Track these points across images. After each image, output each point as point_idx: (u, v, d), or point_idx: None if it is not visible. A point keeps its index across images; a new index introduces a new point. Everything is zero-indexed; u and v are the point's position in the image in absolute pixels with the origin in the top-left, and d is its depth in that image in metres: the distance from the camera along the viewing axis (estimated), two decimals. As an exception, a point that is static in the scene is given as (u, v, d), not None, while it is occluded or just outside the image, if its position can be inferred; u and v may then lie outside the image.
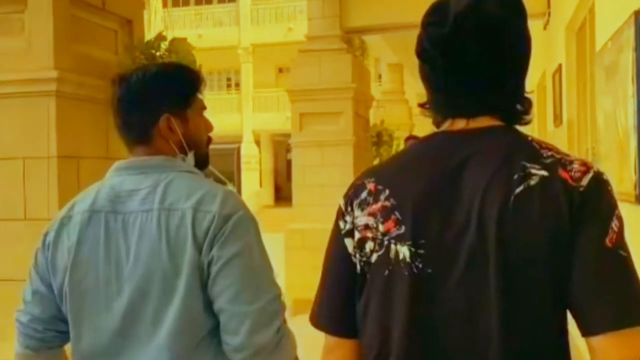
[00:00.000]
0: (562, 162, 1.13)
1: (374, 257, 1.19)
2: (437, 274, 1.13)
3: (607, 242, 1.08)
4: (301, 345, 1.63)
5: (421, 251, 1.14)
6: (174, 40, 2.48)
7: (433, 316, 1.14)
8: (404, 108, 13.85)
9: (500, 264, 1.09)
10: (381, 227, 1.18)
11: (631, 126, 3.04)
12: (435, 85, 1.23)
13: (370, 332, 1.22)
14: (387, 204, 1.19)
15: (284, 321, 1.52)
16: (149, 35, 2.92)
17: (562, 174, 1.11)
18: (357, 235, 1.22)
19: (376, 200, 1.20)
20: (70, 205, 1.60)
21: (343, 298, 1.26)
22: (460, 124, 1.21)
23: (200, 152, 1.67)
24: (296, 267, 7.66)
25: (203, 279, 1.46)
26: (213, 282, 1.46)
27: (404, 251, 1.15)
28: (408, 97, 14.68)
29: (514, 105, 1.22)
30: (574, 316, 1.11)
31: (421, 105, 1.29)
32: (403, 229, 1.16)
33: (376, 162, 8.90)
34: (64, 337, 1.62)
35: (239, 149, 24.63)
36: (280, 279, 8.30)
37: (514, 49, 1.21)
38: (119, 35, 2.83)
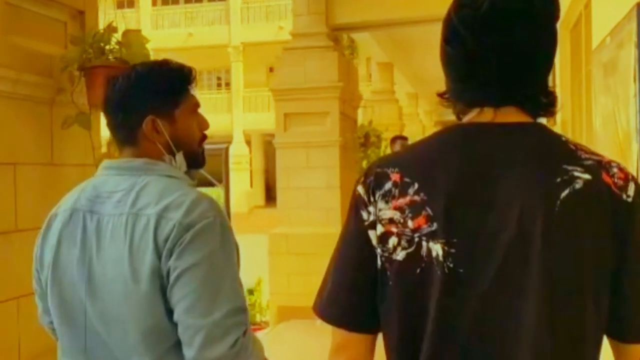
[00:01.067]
0: (602, 165, 1.12)
1: (401, 254, 1.14)
2: (468, 275, 1.09)
3: None
4: (287, 353, 1.55)
5: (453, 250, 1.10)
6: (126, 32, 2.21)
7: (463, 317, 1.10)
8: (394, 108, 13.58)
9: (543, 269, 1.06)
10: (410, 223, 1.13)
11: (633, 128, 2.79)
12: (463, 71, 1.18)
13: (396, 330, 1.17)
14: (417, 198, 1.13)
15: (245, 333, 1.47)
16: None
17: (606, 178, 1.10)
18: (380, 228, 1.16)
19: (403, 194, 1.14)
20: (60, 202, 1.63)
21: (361, 291, 1.19)
22: (487, 115, 1.17)
23: (191, 152, 1.64)
24: (280, 273, 7.43)
25: (164, 286, 1.45)
26: (170, 292, 1.44)
27: (437, 249, 1.11)
28: (398, 97, 14.45)
29: (540, 97, 1.19)
30: (611, 322, 1.12)
31: (440, 95, 1.26)
32: (435, 225, 1.11)
33: (364, 164, 8.65)
34: None
35: (227, 149, 24.42)
36: (264, 284, 8.15)
37: (544, 39, 1.17)
38: (69, 27, 2.52)
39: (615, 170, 1.12)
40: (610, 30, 3.26)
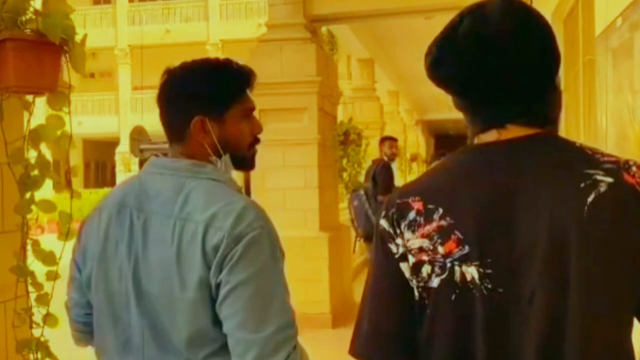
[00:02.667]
0: (621, 165, 1.12)
1: (436, 281, 1.14)
2: (508, 293, 1.10)
3: None
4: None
5: (489, 271, 1.10)
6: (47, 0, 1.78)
7: (509, 335, 1.10)
8: (375, 105, 13.21)
9: (582, 276, 1.06)
10: (441, 249, 1.13)
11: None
12: (482, 94, 1.18)
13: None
14: (444, 223, 1.14)
15: (294, 347, 1.46)
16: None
17: (628, 178, 1.11)
18: (411, 259, 1.17)
19: (429, 221, 1.15)
20: (108, 195, 1.64)
21: (399, 327, 1.20)
22: (507, 133, 1.17)
23: (240, 155, 1.63)
24: (255, 278, 6.96)
25: (212, 295, 1.44)
26: (220, 305, 1.44)
27: (471, 272, 1.11)
28: (379, 95, 14.10)
29: (548, 108, 1.22)
30: None
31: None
32: (467, 248, 1.11)
33: (345, 162, 8.25)
34: None
35: None
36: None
37: (554, 55, 1.21)
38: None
39: (634, 169, 1.12)
40: (620, 11, 2.87)
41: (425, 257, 1.14)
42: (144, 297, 1.50)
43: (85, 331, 1.70)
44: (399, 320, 1.19)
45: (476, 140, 1.22)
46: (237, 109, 1.60)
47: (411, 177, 21.70)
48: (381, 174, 7.01)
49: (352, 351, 1.25)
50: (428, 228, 1.14)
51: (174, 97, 1.59)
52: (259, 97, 5.86)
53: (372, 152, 10.03)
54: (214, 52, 27.17)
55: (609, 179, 1.09)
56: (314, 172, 6.98)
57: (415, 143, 23.11)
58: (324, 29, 10.51)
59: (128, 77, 28.84)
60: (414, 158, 20.00)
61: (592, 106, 3.85)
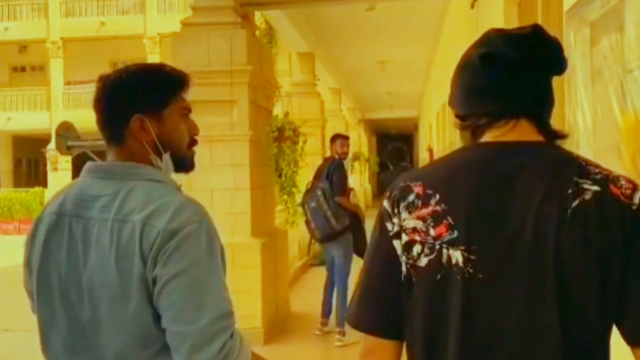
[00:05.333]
0: (611, 178, 1.22)
1: (424, 261, 1.24)
2: (487, 280, 1.19)
3: None
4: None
5: (472, 257, 1.20)
6: None
7: (483, 320, 1.19)
8: (316, 102, 12.57)
9: (558, 273, 1.16)
10: (432, 232, 1.23)
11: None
12: (495, 87, 1.29)
13: (419, 335, 1.26)
14: (438, 208, 1.23)
15: (232, 335, 1.50)
16: None
17: (613, 189, 1.20)
18: (404, 237, 1.26)
19: (426, 204, 1.25)
20: (46, 204, 1.65)
21: (388, 299, 1.29)
22: (506, 128, 1.29)
23: (179, 154, 1.66)
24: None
25: (150, 293, 1.47)
26: (157, 299, 1.47)
27: (457, 256, 1.21)
28: (321, 93, 13.53)
29: (548, 116, 1.33)
30: (624, 326, 1.20)
31: (461, 117, 1.37)
32: (456, 233, 1.21)
33: (281, 162, 7.63)
34: None
35: None
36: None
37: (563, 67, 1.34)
38: None
39: (622, 182, 1.22)
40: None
41: (417, 237, 1.24)
42: (86, 305, 1.52)
43: None
44: (388, 294, 1.29)
45: (485, 136, 1.31)
46: (175, 108, 1.64)
47: (353, 177, 21.29)
48: (335, 173, 6.43)
49: (348, 318, 1.37)
50: (424, 211, 1.24)
51: (111, 98, 1.61)
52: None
53: (310, 150, 9.52)
54: (151, 46, 26.40)
55: (596, 188, 1.19)
56: (246, 172, 6.33)
57: (358, 142, 22.65)
58: (259, 17, 9.90)
59: (60, 72, 27.66)
60: (356, 157, 19.51)
61: (560, 99, 3.31)
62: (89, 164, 1.64)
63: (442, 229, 1.21)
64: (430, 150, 15.13)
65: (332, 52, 13.61)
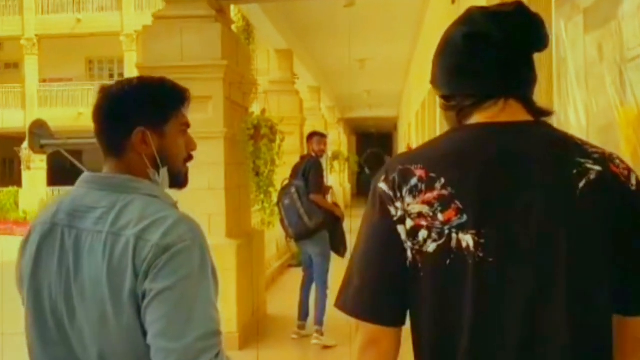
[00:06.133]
0: (608, 156, 1.25)
1: (432, 246, 1.22)
2: (497, 263, 1.18)
3: None
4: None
5: (482, 241, 1.19)
6: None
7: (496, 303, 1.19)
8: (295, 100, 12.35)
9: (570, 253, 1.17)
10: (440, 216, 1.21)
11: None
12: (480, 65, 1.28)
13: (429, 320, 1.24)
14: (445, 192, 1.21)
15: (217, 355, 1.46)
16: None
17: (613, 169, 1.23)
18: (409, 222, 1.23)
19: (430, 189, 1.22)
20: (40, 213, 1.64)
21: (390, 285, 1.26)
22: (497, 108, 1.28)
23: (175, 170, 1.66)
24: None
25: (140, 309, 1.45)
26: (143, 314, 1.45)
27: (467, 240, 1.19)
28: (300, 91, 13.33)
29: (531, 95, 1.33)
30: (618, 296, 1.22)
31: (445, 98, 1.35)
32: (465, 217, 1.19)
33: (258, 161, 7.41)
34: None
35: None
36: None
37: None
38: None
39: (618, 162, 1.25)
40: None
41: (423, 223, 1.22)
42: (76, 316, 1.50)
43: None
44: (390, 280, 1.26)
45: (474, 117, 1.31)
46: (176, 123, 1.65)
47: (333, 176, 21.10)
48: (311, 171, 6.27)
49: (341, 306, 1.30)
50: (429, 195, 1.22)
51: (114, 109, 1.60)
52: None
53: (288, 149, 9.32)
54: (128, 44, 26.07)
55: (598, 168, 1.22)
56: (220, 171, 6.12)
57: (337, 141, 22.48)
58: (236, 13, 9.70)
59: (35, 69, 27.23)
60: (335, 156, 19.33)
61: (549, 94, 3.13)
62: (85, 175, 1.62)
63: (450, 213, 1.20)
64: (409, 149, 15.00)
65: (311, 49, 13.43)
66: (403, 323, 1.28)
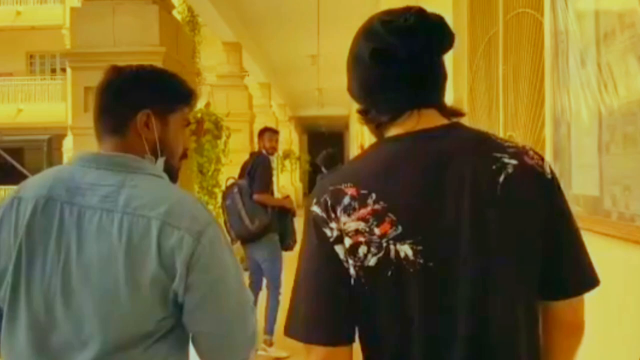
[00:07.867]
0: (522, 149, 1.30)
1: (372, 260, 1.24)
2: (437, 267, 1.22)
3: (574, 221, 1.32)
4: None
5: (419, 248, 1.22)
6: None
7: (443, 306, 1.22)
8: (243, 95, 11.81)
9: (502, 247, 1.22)
10: (376, 230, 1.24)
11: None
12: (391, 81, 1.31)
13: (381, 332, 1.26)
14: (378, 207, 1.24)
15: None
16: None
17: (528, 160, 1.28)
18: (348, 241, 1.25)
19: (364, 205, 1.25)
20: (21, 186, 1.59)
21: (335, 306, 1.27)
22: (413, 120, 1.31)
23: (171, 163, 1.66)
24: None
25: (166, 296, 1.45)
26: (191, 313, 1.48)
27: (405, 249, 1.22)
28: (250, 88, 12.84)
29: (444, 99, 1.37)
30: (544, 283, 1.28)
31: (362, 113, 1.37)
32: (400, 228, 1.23)
33: (201, 159, 6.89)
34: None
35: (49, 140, 22.48)
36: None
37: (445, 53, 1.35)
38: None
39: (532, 153, 1.31)
40: None
41: (362, 239, 1.24)
42: (73, 295, 1.46)
43: None
44: (334, 298, 1.26)
45: (392, 129, 1.33)
46: (179, 116, 1.66)
47: (284, 175, 20.63)
48: (258, 168, 5.77)
49: (292, 334, 1.31)
50: (363, 211, 1.24)
51: (124, 88, 1.60)
52: (83, 72, 4.29)
53: (237, 146, 8.86)
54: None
55: (514, 161, 1.26)
56: (158, 169, 5.56)
57: (289, 139, 22.05)
58: (181, 3, 9.17)
59: (-29, 63, 26.11)
60: (287, 155, 18.89)
61: (540, 98, 2.70)
62: (81, 153, 1.61)
63: (385, 226, 1.23)
64: (362, 149, 14.71)
65: (261, 43, 12.99)
66: (353, 340, 1.29)
